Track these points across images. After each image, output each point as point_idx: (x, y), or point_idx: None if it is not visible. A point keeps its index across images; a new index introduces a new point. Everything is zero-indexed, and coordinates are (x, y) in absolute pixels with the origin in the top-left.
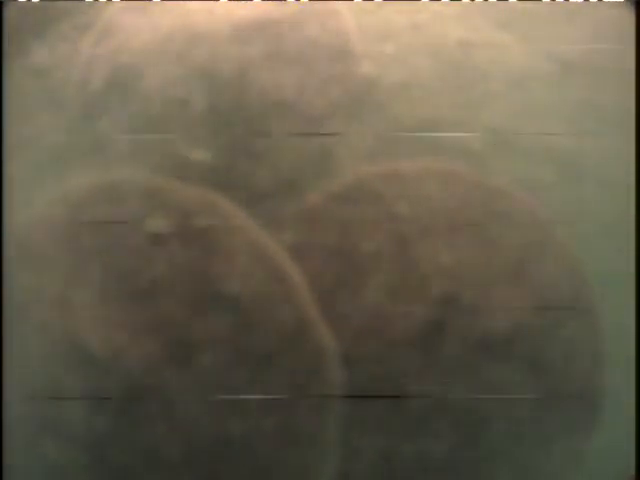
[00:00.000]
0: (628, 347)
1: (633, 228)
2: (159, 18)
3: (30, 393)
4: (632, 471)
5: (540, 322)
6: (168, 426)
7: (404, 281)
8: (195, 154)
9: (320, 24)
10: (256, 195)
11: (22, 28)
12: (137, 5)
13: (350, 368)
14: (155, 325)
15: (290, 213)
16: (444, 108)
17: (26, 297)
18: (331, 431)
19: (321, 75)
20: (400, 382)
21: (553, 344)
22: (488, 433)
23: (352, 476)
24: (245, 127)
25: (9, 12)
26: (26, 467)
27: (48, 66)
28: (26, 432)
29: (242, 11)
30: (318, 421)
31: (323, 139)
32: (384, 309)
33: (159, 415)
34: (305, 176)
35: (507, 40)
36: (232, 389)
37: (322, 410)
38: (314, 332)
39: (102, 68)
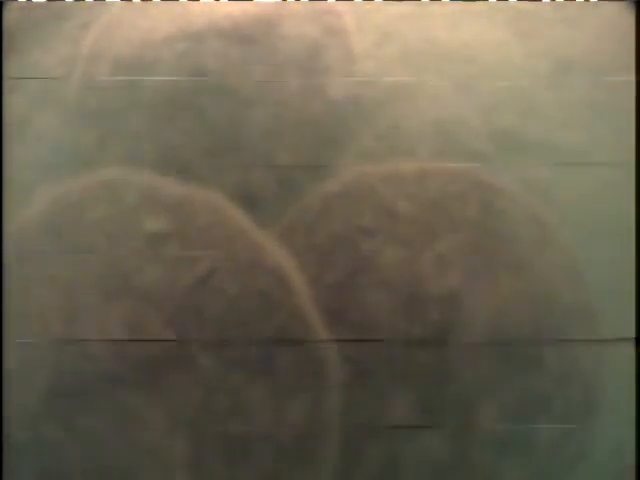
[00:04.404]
0: (628, 347)
1: (633, 227)
2: (159, 18)
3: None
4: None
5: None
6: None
7: None
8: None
9: (320, 24)
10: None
11: (22, 28)
12: (137, 5)
13: None
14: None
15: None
16: (446, 109)
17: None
18: None
19: (320, 75)
20: None
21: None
22: None
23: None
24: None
25: (9, 12)
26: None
27: (48, 66)
28: None
29: (242, 10)
30: None
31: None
32: None
33: None
34: (300, 177)
35: (507, 41)
36: None
37: None
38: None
39: (102, 68)
